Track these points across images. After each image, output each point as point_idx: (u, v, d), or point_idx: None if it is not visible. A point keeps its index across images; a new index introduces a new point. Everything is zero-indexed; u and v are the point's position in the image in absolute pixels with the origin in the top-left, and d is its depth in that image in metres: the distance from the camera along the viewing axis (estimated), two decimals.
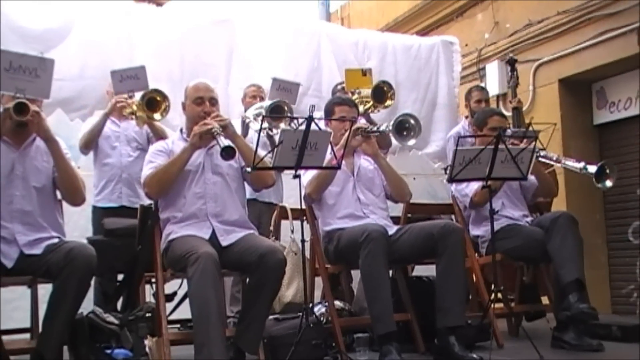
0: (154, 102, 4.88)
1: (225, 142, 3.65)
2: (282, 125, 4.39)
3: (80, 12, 5.87)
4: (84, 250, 3.50)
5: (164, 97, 4.88)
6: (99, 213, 4.99)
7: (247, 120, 4.93)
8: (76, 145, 5.13)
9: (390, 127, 4.24)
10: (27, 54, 3.69)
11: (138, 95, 4.94)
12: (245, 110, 5.12)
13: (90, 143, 5.06)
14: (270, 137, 4.81)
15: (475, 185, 4.62)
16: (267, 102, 4.77)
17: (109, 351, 3.66)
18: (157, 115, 4.89)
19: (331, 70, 6.74)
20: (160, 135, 4.97)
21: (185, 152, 3.79)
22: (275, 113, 4.54)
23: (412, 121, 4.27)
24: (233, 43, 6.44)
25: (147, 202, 4.30)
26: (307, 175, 4.12)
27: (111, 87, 5.10)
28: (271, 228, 4.99)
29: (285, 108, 4.54)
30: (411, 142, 4.32)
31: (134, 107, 4.94)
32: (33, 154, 3.76)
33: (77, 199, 3.84)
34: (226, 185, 3.88)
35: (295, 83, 5.15)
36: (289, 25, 6.95)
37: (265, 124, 4.50)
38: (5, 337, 3.55)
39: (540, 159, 4.69)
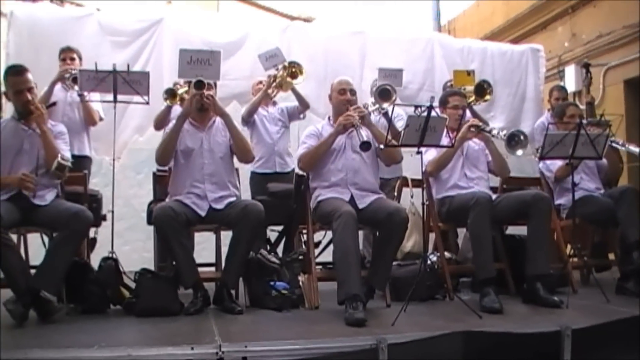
0: (294, 73, 5.00)
1: (363, 136, 3.66)
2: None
3: (252, 29, 6.05)
4: (255, 207, 3.58)
5: (299, 67, 5.01)
6: (257, 177, 5.06)
7: (368, 107, 4.93)
8: (246, 129, 5.26)
9: (502, 136, 4.03)
10: (202, 49, 3.84)
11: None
12: None
13: (252, 114, 5.09)
14: (385, 115, 4.73)
15: (558, 164, 4.50)
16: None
17: (272, 283, 3.70)
18: (299, 79, 5.02)
19: (442, 71, 6.65)
20: (301, 98, 5.10)
21: (331, 137, 3.81)
22: (384, 95, 4.43)
23: (521, 137, 4.00)
24: (365, 49, 6.46)
25: (295, 168, 4.44)
26: (429, 156, 4.05)
27: (253, 87, 5.28)
28: (395, 194, 4.92)
29: (389, 89, 4.45)
30: (519, 152, 4.02)
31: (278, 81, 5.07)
32: (214, 132, 3.84)
33: (248, 156, 3.90)
34: (363, 161, 3.85)
35: (398, 69, 5.02)
36: (409, 35, 6.95)
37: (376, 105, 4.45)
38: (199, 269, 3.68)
39: (611, 144, 4.50)
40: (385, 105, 4.29)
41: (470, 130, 4.09)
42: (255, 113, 5.11)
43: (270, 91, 5.12)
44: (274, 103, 5.32)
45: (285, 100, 5.33)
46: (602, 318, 3.22)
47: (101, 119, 5.03)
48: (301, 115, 5.22)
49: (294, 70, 4.99)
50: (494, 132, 4.14)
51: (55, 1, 10.50)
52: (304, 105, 5.15)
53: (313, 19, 7.97)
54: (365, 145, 3.63)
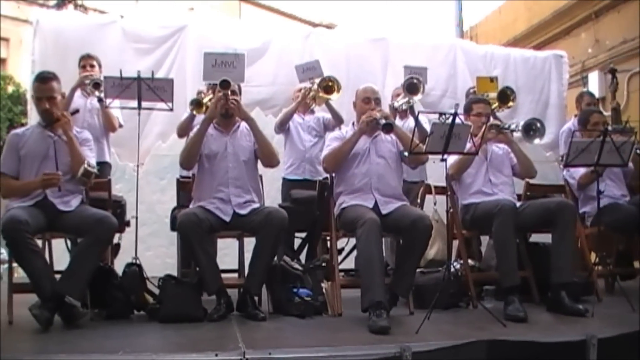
0: (329, 87, 4.96)
1: (385, 122, 3.67)
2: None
3: (274, 36, 6.08)
4: (279, 213, 3.58)
5: (336, 83, 4.96)
6: (288, 184, 5.08)
7: (393, 104, 4.95)
8: (270, 133, 5.28)
9: (520, 127, 4.09)
10: (226, 52, 3.88)
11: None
12: None
13: (285, 123, 5.12)
14: (411, 109, 4.75)
15: (581, 171, 4.46)
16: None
17: (295, 290, 3.69)
18: (333, 95, 4.98)
19: (464, 77, 6.65)
20: (335, 113, 5.08)
21: (355, 136, 3.80)
22: (411, 89, 4.43)
23: (538, 124, 4.09)
24: (387, 56, 6.46)
25: (324, 177, 4.37)
26: (450, 159, 4.03)
27: (293, 94, 5.25)
28: (418, 201, 4.90)
29: (416, 82, 4.40)
30: (536, 141, 4.10)
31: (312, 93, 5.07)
32: (239, 136, 3.86)
33: (273, 161, 3.87)
34: (387, 166, 3.84)
35: (423, 67, 4.91)
36: (431, 41, 6.95)
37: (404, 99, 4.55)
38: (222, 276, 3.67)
39: (638, 151, 4.46)
40: (416, 98, 4.29)
41: (490, 131, 4.08)
42: (290, 121, 5.14)
43: (308, 101, 5.14)
44: (312, 112, 5.33)
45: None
46: (628, 327, 3.18)
47: (120, 126, 5.07)
48: (335, 129, 5.22)
49: (330, 84, 4.96)
50: (512, 126, 4.16)
51: (79, 9, 10.68)
52: (337, 120, 5.12)
53: (335, 26, 8.01)
54: (387, 127, 3.63)
